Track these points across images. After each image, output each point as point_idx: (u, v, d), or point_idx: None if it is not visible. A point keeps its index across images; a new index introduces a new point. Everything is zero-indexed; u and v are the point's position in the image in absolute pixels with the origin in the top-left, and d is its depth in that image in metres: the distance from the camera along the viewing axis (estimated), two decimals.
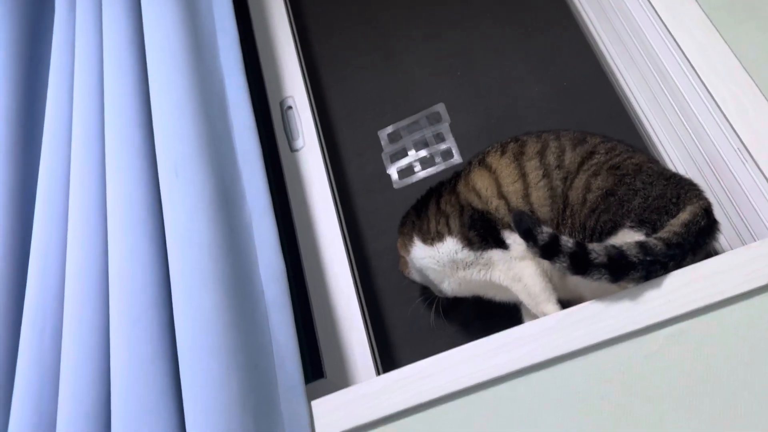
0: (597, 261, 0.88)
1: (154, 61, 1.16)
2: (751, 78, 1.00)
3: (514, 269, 1.05)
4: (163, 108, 1.09)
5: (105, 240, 1.03)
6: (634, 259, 0.88)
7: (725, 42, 1.04)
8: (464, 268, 1.10)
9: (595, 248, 0.89)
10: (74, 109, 1.17)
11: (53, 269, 1.04)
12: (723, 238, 1.07)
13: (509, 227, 1.06)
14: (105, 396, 0.91)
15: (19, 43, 1.31)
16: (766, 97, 0.98)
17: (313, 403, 0.97)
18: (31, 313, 1.00)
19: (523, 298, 1.04)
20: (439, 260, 1.12)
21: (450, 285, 1.14)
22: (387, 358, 1.27)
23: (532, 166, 1.07)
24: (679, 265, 0.90)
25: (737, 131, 0.98)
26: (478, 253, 1.08)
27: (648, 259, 0.88)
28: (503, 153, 1.12)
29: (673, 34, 1.09)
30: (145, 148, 1.09)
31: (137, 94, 1.15)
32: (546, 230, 0.90)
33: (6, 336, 1.04)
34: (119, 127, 1.09)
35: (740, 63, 1.02)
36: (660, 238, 0.91)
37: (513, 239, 1.06)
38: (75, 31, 1.31)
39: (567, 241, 0.89)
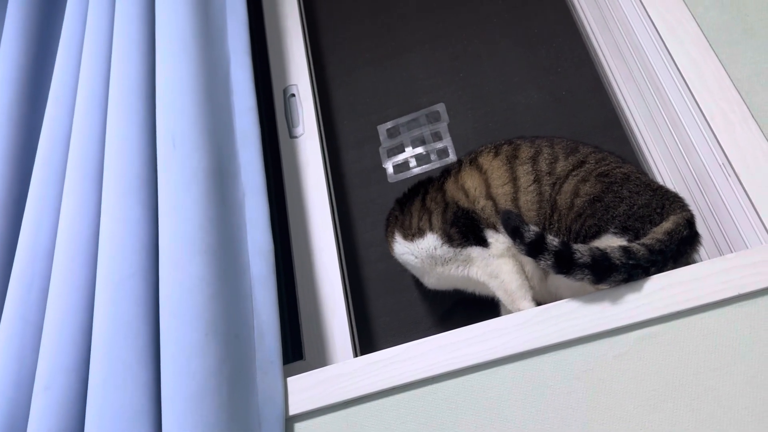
0: (581, 261, 0.88)
1: (163, 35, 1.18)
2: (741, 97, 1.03)
3: (492, 266, 1.07)
4: (167, 81, 1.11)
5: (99, 202, 1.04)
6: (617, 261, 0.89)
7: (719, 61, 1.07)
8: (443, 264, 1.11)
9: (580, 248, 0.90)
10: (80, 75, 1.19)
11: (46, 227, 1.06)
12: (703, 251, 1.09)
13: (493, 227, 1.07)
14: (85, 353, 0.92)
15: (33, 9, 1.33)
16: (753, 116, 1.00)
17: (289, 379, 0.99)
18: (21, 268, 1.02)
19: (500, 294, 1.06)
20: (417, 255, 1.13)
21: (430, 279, 1.16)
22: (367, 345, 1.29)
23: (524, 171, 1.09)
24: (659, 272, 0.91)
25: (723, 147, 1.00)
26: (458, 250, 1.09)
27: (631, 262, 0.89)
28: (496, 154, 1.13)
29: (670, 50, 1.11)
30: (146, 118, 1.11)
31: (143, 66, 1.17)
32: (533, 229, 0.92)
33: None
34: (122, 96, 1.11)
35: (732, 82, 1.04)
36: (643, 244, 0.92)
37: (495, 238, 1.07)
38: (88, 2, 1.34)
39: (552, 240, 0.90)
